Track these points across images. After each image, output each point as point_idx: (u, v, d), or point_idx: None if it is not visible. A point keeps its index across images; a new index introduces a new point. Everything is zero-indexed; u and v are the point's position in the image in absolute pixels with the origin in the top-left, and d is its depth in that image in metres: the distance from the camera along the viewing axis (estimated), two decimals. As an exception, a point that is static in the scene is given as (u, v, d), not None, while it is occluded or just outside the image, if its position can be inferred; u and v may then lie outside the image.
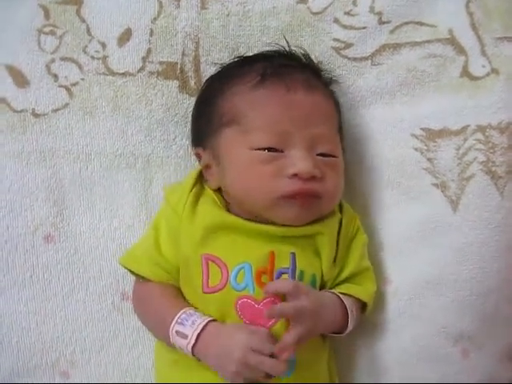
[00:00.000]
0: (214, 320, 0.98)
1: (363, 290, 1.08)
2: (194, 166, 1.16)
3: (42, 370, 1.12)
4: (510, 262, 1.10)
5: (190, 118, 1.17)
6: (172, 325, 0.98)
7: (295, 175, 0.99)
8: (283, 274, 1.01)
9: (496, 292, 1.09)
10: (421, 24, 1.17)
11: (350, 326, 1.05)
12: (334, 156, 1.05)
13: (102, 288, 1.13)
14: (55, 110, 1.15)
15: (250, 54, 1.14)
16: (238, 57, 1.14)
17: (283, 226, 1.03)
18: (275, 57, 1.10)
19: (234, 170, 1.03)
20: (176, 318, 0.98)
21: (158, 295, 1.05)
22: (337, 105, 1.12)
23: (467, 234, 1.10)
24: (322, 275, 1.06)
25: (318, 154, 1.03)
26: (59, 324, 1.12)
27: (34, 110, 1.14)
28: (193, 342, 0.96)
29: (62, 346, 1.12)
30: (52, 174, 1.14)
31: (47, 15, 1.16)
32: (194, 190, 1.07)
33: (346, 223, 1.10)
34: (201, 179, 1.10)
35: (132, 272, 1.08)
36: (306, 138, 1.02)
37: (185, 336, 0.97)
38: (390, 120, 1.16)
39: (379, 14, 1.17)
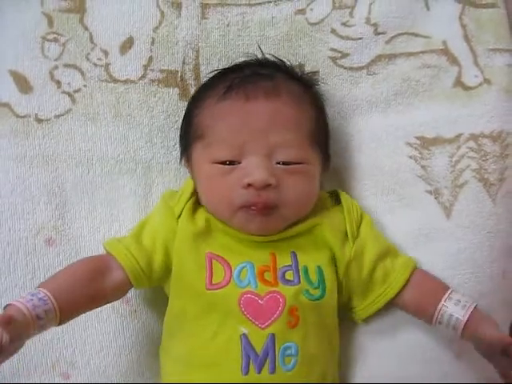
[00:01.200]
0: None
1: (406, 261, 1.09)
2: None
3: (42, 371, 1.12)
4: (502, 267, 1.12)
5: (189, 125, 1.20)
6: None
7: (250, 185, 1.01)
8: (287, 271, 1.03)
9: (489, 296, 1.11)
10: (415, 35, 1.20)
11: None
12: (298, 163, 1.04)
13: (102, 291, 1.15)
14: (58, 116, 1.17)
15: (227, 66, 1.16)
16: (215, 70, 1.15)
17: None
18: (247, 66, 1.11)
19: (200, 183, 1.07)
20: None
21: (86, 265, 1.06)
22: (313, 108, 1.10)
23: (460, 239, 1.12)
24: (336, 262, 1.07)
25: (278, 162, 1.03)
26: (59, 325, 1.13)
27: (37, 115, 1.16)
28: None
29: (61, 347, 1.13)
30: (54, 178, 1.16)
31: (51, 23, 1.19)
32: (192, 199, 1.09)
33: (348, 209, 1.11)
34: None
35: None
36: (264, 146, 1.02)
37: None
38: (385, 128, 1.19)
39: (375, 25, 1.20)
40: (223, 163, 1.03)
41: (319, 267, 1.05)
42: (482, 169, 1.13)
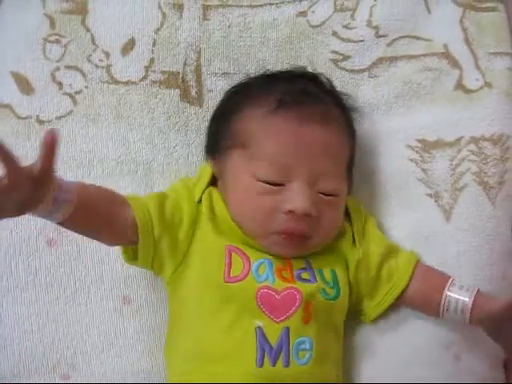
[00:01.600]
0: None
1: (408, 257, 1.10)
2: (194, 173, 1.18)
3: (43, 373, 1.12)
4: (502, 269, 1.12)
5: (190, 127, 1.20)
6: None
7: (291, 211, 1.00)
8: (302, 273, 1.04)
9: (488, 299, 1.12)
10: (417, 38, 1.20)
11: None
12: (335, 195, 1.04)
13: (103, 292, 1.14)
14: (59, 117, 1.17)
15: (274, 71, 1.14)
16: (262, 73, 1.14)
17: None
18: (297, 80, 1.09)
19: (234, 193, 1.05)
20: None
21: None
22: (350, 136, 1.11)
23: (460, 242, 1.12)
24: (347, 265, 1.08)
25: (318, 192, 1.03)
26: (60, 327, 1.13)
27: (38, 116, 1.17)
28: None
29: (63, 348, 1.13)
30: (55, 180, 1.16)
31: (53, 25, 1.19)
32: (208, 190, 1.09)
33: (356, 219, 1.12)
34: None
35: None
36: (309, 172, 1.01)
37: None
38: (386, 131, 1.19)
39: (376, 27, 1.21)
40: (266, 182, 1.02)
41: (333, 270, 1.07)
42: (482, 172, 1.14)
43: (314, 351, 1.00)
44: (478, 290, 1.03)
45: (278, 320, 1.00)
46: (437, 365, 1.11)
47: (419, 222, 1.15)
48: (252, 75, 1.15)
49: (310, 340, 1.01)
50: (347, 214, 1.12)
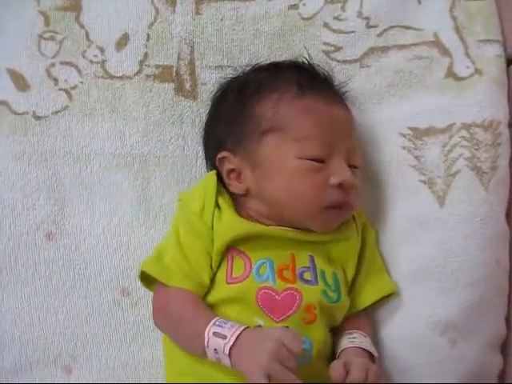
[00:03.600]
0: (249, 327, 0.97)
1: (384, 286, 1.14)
2: (190, 166, 1.20)
3: (45, 365, 1.15)
4: (494, 254, 1.13)
5: (185, 120, 1.21)
6: (209, 326, 0.96)
7: (340, 185, 1.04)
8: (305, 272, 1.05)
9: (482, 283, 1.12)
10: (407, 28, 1.21)
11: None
12: (358, 167, 1.10)
13: (102, 284, 1.16)
14: (55, 113, 1.19)
15: (273, 63, 1.17)
16: (260, 66, 1.16)
17: (303, 230, 1.07)
18: (301, 68, 1.14)
19: (279, 176, 1.05)
20: (213, 320, 0.97)
21: (189, 302, 1.03)
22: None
23: (453, 227, 1.13)
24: (345, 273, 1.11)
25: (350, 165, 1.07)
26: (61, 319, 1.15)
27: (34, 112, 1.18)
28: (232, 341, 0.93)
29: (63, 340, 1.15)
30: (53, 174, 1.18)
31: (47, 22, 1.20)
32: (218, 201, 1.08)
33: (359, 222, 1.14)
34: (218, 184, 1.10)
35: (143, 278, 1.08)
36: (345, 149, 1.06)
37: (223, 336, 0.94)
38: (379, 120, 1.20)
39: (367, 18, 1.22)
40: (310, 159, 1.04)
41: (335, 274, 1.08)
42: (475, 157, 1.14)
43: (313, 351, 1.02)
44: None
45: (277, 320, 1.02)
46: (431, 350, 1.12)
47: (413, 208, 1.16)
48: (241, 70, 1.17)
49: (309, 340, 1.02)
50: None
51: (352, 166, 1.07)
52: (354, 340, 1.05)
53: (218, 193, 1.09)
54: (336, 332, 1.09)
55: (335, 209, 1.05)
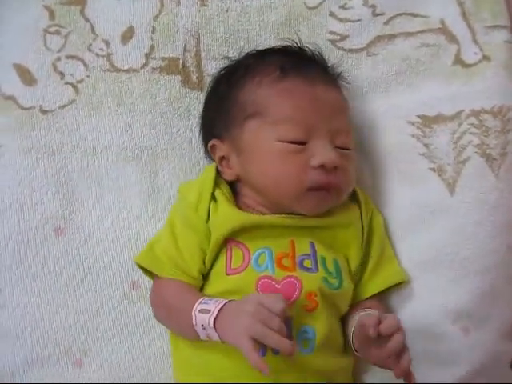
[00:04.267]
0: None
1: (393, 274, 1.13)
2: (198, 158, 1.20)
3: (55, 359, 1.14)
4: (505, 241, 1.12)
5: (192, 111, 1.20)
6: (196, 305, 0.97)
7: (321, 166, 1.02)
8: (305, 259, 1.05)
9: (493, 271, 1.12)
10: (413, 15, 1.21)
11: None
12: (348, 149, 1.08)
13: (112, 277, 1.16)
14: (62, 107, 1.18)
15: (263, 48, 1.16)
16: (248, 52, 1.16)
17: (301, 216, 1.07)
18: (289, 51, 1.13)
19: (260, 160, 1.06)
20: (200, 299, 0.98)
21: (180, 290, 1.04)
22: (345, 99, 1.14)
23: (464, 215, 1.13)
24: (348, 263, 1.10)
25: (336, 147, 1.05)
26: (71, 314, 1.15)
27: (41, 106, 1.18)
28: (215, 314, 0.94)
29: (74, 335, 1.15)
30: (61, 169, 1.17)
31: (52, 16, 1.20)
32: (214, 193, 1.08)
33: (365, 209, 1.13)
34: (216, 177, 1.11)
35: (145, 270, 1.09)
36: (328, 130, 1.05)
37: (207, 311, 0.95)
38: (387, 108, 1.20)
39: (373, 6, 1.21)
40: (290, 142, 1.04)
41: (335, 260, 1.07)
42: (484, 144, 1.14)
43: (317, 340, 1.01)
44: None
45: None
46: (444, 339, 1.12)
47: (423, 196, 1.15)
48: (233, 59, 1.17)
49: (312, 329, 1.02)
50: (357, 201, 1.14)
51: (340, 148, 1.06)
52: (366, 311, 1.05)
53: (217, 185, 1.09)
54: (346, 321, 1.09)
55: (320, 190, 1.04)
